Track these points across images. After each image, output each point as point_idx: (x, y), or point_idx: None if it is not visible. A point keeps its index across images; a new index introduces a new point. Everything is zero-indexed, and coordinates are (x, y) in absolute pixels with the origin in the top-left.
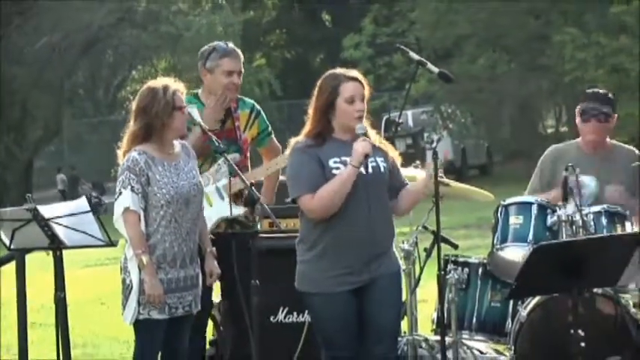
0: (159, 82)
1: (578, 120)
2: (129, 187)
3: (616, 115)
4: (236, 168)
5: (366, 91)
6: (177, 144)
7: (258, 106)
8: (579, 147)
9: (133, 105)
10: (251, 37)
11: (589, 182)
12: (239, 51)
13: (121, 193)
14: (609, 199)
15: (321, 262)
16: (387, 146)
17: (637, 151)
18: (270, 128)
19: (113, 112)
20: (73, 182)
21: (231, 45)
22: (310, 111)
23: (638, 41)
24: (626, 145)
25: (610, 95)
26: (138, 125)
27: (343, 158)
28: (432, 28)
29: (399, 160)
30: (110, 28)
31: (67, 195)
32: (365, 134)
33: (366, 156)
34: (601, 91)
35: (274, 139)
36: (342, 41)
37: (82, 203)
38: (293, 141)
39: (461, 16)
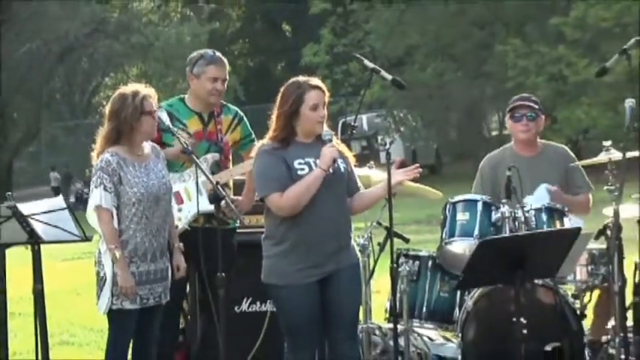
0: (129, 88)
1: (509, 122)
2: (101, 186)
3: (544, 116)
4: (202, 168)
5: (326, 97)
6: (147, 145)
7: (241, 113)
8: (513, 150)
9: (106, 109)
10: (216, 47)
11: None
12: (225, 60)
13: (93, 192)
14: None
15: (287, 257)
16: (344, 149)
17: (567, 149)
18: (253, 136)
19: (88, 115)
20: (66, 180)
21: (217, 54)
22: (274, 116)
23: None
24: (558, 144)
25: (535, 98)
26: (109, 128)
27: (307, 159)
28: (386, 38)
29: (353, 162)
30: (85, 38)
31: (62, 191)
32: (331, 140)
33: (334, 161)
34: (526, 94)
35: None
36: (301, 50)
37: (58, 201)
38: (259, 144)
39: (412, 27)
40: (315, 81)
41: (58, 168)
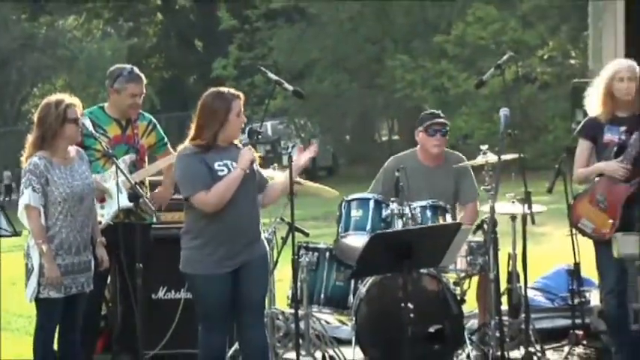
0: (54, 97)
1: (422, 136)
2: (30, 187)
3: None
4: (121, 168)
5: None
6: (72, 150)
7: (155, 120)
8: (416, 156)
9: (34, 117)
10: (135, 60)
11: None
12: (142, 76)
13: (23, 193)
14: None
15: (204, 249)
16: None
17: (463, 157)
18: (166, 140)
19: (17, 122)
20: (19, 178)
21: (136, 70)
22: (196, 125)
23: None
24: (454, 152)
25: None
26: (35, 134)
27: (225, 161)
28: (288, 53)
29: (259, 162)
30: (15, 52)
31: (14, 189)
32: (247, 144)
33: (252, 162)
34: (436, 111)
35: (170, 148)
36: (212, 64)
37: None
38: (180, 148)
39: (311, 43)
40: (235, 90)
41: (11, 167)
